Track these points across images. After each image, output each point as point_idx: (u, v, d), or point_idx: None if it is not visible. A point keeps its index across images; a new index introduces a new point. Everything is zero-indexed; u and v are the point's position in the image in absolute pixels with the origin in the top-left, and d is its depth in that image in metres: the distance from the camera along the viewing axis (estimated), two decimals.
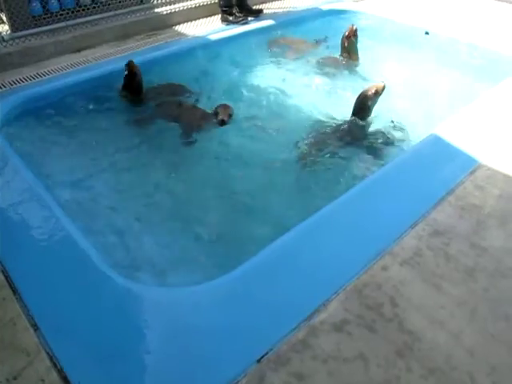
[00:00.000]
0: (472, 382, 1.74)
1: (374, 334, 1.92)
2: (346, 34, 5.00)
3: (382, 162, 3.36)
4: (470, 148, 3.10)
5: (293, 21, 6.11)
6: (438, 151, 3.15)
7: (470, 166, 2.95)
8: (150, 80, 4.44)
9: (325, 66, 4.98)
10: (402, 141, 3.62)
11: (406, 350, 1.85)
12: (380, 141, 3.66)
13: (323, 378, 1.75)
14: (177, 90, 4.42)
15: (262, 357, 1.81)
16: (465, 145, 3.13)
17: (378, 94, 3.75)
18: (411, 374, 1.77)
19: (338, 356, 1.83)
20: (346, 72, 4.92)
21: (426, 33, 5.61)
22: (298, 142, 3.64)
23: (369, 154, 3.56)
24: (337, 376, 1.76)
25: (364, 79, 4.71)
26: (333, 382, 1.74)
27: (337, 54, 5.15)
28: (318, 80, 4.71)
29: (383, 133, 3.72)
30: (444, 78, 4.68)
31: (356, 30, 4.97)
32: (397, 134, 3.71)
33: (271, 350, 1.84)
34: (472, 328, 1.94)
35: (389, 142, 3.65)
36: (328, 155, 3.50)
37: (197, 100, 4.24)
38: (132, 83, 4.17)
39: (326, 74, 4.82)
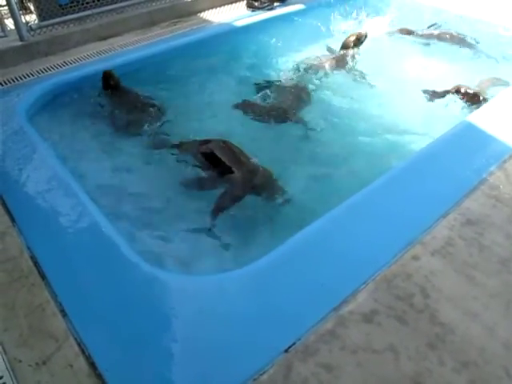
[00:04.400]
0: (508, 377, 1.68)
1: (404, 325, 1.87)
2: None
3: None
4: (504, 136, 3.00)
5: (320, 6, 5.97)
6: (471, 139, 3.06)
7: (504, 154, 2.85)
8: (176, 68, 4.42)
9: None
10: (433, 127, 3.52)
11: (437, 342, 1.80)
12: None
13: (352, 369, 1.72)
14: None
15: (290, 347, 1.79)
16: (498, 133, 3.03)
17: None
18: (443, 367, 1.72)
19: (367, 347, 1.79)
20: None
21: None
22: None
23: None
24: (366, 367, 1.72)
25: (397, 61, 4.62)
26: (362, 374, 1.70)
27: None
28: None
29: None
30: (478, 63, 4.53)
31: None
32: (429, 119, 3.62)
33: (299, 340, 1.81)
34: (507, 320, 1.88)
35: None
36: None
37: None
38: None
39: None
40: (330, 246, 2.26)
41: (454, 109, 3.81)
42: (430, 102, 3.96)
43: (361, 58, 4.66)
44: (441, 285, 2.03)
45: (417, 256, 2.17)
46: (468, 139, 3.06)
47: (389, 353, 1.77)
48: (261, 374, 1.70)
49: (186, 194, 3.04)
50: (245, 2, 5.92)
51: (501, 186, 2.58)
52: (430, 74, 4.43)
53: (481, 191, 2.56)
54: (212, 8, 5.92)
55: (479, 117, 3.21)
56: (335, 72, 4.48)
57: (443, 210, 2.43)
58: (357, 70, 4.49)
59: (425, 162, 2.87)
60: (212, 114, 3.88)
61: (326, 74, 4.44)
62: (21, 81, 4.18)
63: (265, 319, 1.92)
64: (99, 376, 1.73)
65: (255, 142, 3.45)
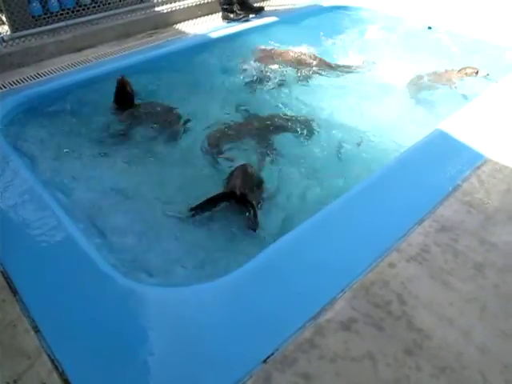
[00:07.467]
0: (484, 381, 1.69)
1: (382, 332, 1.87)
2: None
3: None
4: (476, 143, 3.06)
5: (294, 18, 6.06)
6: (444, 147, 3.11)
7: (476, 161, 2.90)
8: (152, 79, 4.42)
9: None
10: (406, 137, 3.57)
11: (415, 348, 1.81)
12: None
13: (331, 378, 1.71)
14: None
15: (268, 357, 1.77)
16: (470, 140, 3.09)
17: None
18: (421, 373, 1.72)
19: (345, 355, 1.78)
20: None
21: (429, 27, 5.56)
22: None
23: None
24: (345, 376, 1.72)
25: (368, 76, 4.68)
26: (341, 383, 1.70)
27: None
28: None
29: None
30: (448, 73, 4.61)
31: None
32: (400, 131, 3.67)
33: (277, 350, 1.79)
34: (483, 325, 1.90)
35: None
36: None
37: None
38: (123, 98, 4.05)
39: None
40: (307, 254, 2.26)
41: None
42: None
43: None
44: (417, 291, 2.05)
45: (393, 263, 2.18)
46: (441, 146, 3.11)
47: (367, 360, 1.77)
48: None
49: (163, 204, 3.01)
50: (220, 13, 5.96)
51: (474, 193, 2.62)
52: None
53: (455, 198, 2.59)
54: (188, 20, 5.95)
55: (452, 124, 3.28)
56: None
57: (418, 217, 2.45)
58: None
59: (399, 169, 2.91)
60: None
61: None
62: None
63: (243, 330, 1.90)
64: None
65: None
